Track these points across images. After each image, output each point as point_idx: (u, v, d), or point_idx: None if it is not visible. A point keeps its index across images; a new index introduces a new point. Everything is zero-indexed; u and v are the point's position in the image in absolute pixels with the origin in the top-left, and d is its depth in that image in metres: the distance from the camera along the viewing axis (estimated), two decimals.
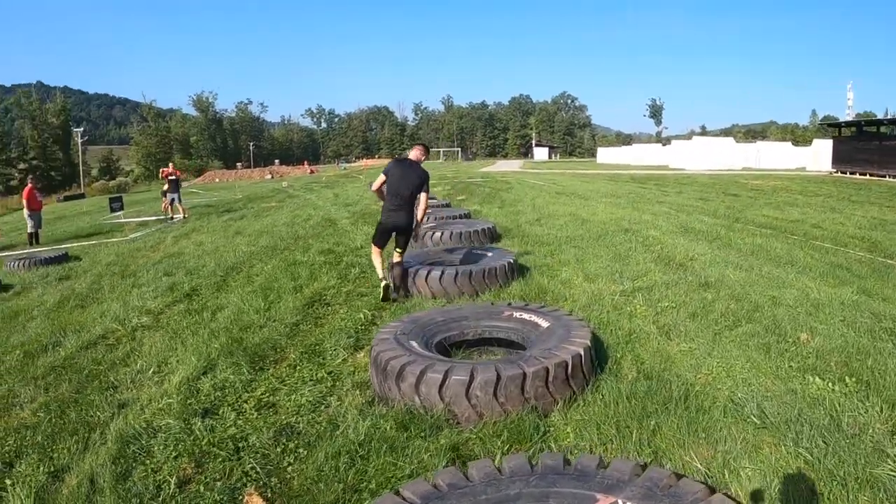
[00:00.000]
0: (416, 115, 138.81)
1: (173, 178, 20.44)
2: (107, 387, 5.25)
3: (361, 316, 6.52)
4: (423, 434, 3.61)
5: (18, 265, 12.78)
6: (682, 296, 6.06)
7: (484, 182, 25.69)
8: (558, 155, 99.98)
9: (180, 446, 3.80)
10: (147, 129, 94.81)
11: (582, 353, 3.96)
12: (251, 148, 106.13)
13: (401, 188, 6.77)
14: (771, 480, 2.85)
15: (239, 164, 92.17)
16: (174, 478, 3.40)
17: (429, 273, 6.86)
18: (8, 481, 3.58)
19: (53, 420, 4.47)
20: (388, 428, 3.73)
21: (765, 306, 5.62)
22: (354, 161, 79.03)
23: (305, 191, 29.99)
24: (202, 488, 3.30)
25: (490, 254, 7.75)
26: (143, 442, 3.94)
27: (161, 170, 21.15)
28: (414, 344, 4.40)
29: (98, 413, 4.63)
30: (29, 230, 17.76)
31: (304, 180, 43.75)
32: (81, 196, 50.31)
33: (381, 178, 6.81)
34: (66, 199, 42.59)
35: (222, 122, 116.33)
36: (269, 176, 63.78)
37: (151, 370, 5.52)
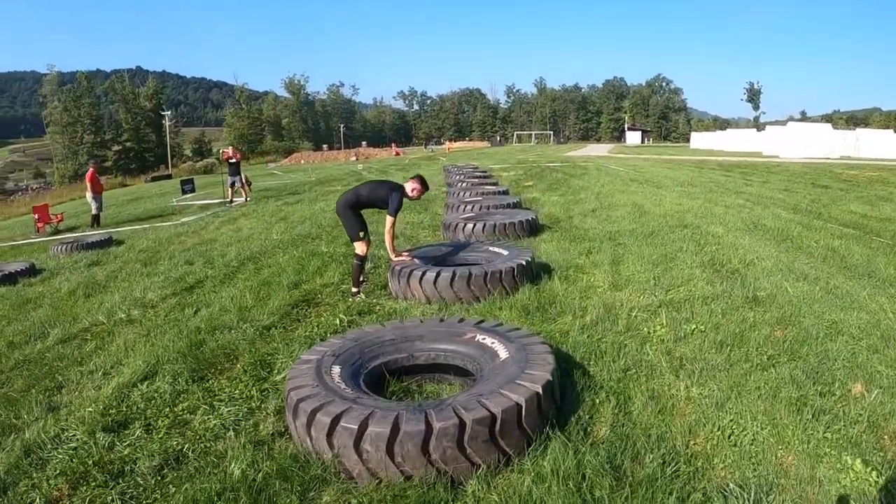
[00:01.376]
0: (509, 97, 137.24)
1: (233, 161, 20.54)
2: (53, 387, 5.21)
3: (337, 321, 6.03)
4: (300, 488, 3.06)
5: (62, 249, 13.14)
6: (718, 315, 4.98)
7: (561, 167, 24.44)
8: (651, 139, 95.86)
9: (68, 463, 3.68)
10: (239, 112, 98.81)
11: (522, 403, 3.11)
12: (342, 130, 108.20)
13: (365, 191, 6.76)
14: None
15: (325, 146, 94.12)
16: (43, 499, 3.31)
17: (423, 275, 6.15)
18: None
19: None
20: (269, 472, 3.26)
21: (818, 336, 4.46)
22: (441, 144, 78.68)
23: (379, 173, 29.79)
24: None
25: (505, 252, 6.89)
26: (44, 453, 3.87)
27: (222, 151, 21.33)
28: (335, 371, 3.68)
29: (26, 415, 4.56)
30: (93, 212, 18.48)
31: (386, 163, 43.74)
32: (168, 177, 52.94)
33: (393, 220, 6.67)
34: (154, 179, 44.82)
35: (314, 104, 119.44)
36: (353, 158, 64.54)
37: (102, 371, 5.44)
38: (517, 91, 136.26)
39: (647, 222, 9.70)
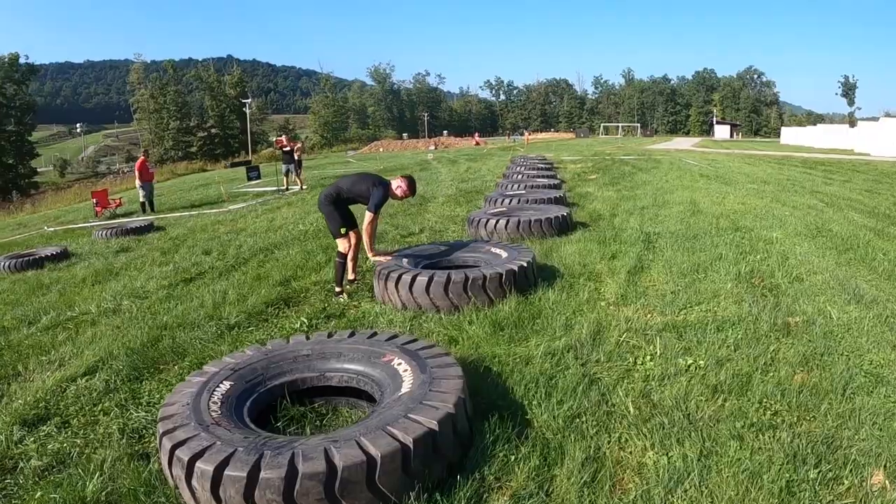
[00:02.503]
0: (596, 88, 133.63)
1: (287, 149, 20.59)
2: (11, 375, 5.24)
3: (298, 325, 5.62)
4: None
5: (103, 234, 13.36)
6: (729, 347, 4.05)
7: (635, 160, 23.05)
8: (741, 134, 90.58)
9: None
10: (324, 99, 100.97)
11: (377, 458, 2.37)
12: (426, 118, 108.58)
13: (345, 184, 6.33)
14: None
15: (405, 134, 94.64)
16: None
17: (399, 277, 5.49)
18: None
19: None
20: (118, 495, 3.03)
21: (847, 387, 3.45)
22: (522, 135, 77.45)
23: (447, 163, 29.23)
24: None
25: (504, 255, 6.11)
26: None
27: (276, 140, 21.38)
28: (219, 391, 3.18)
29: None
30: (140, 199, 18.95)
31: (461, 152, 43.14)
32: (248, 163, 54.23)
33: (373, 216, 6.21)
34: (234, 164, 46.09)
35: (399, 92, 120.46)
36: (432, 147, 64.39)
37: (58, 363, 5.43)
38: (605, 82, 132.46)
39: (696, 223, 8.60)
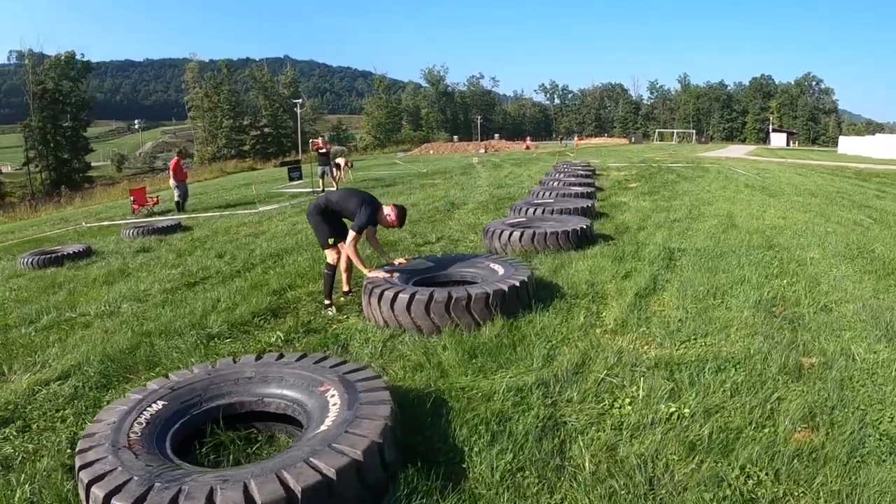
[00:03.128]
0: (651, 93, 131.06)
1: (323, 151, 20.62)
2: None
3: (274, 338, 5.41)
4: None
5: (130, 233, 13.46)
6: (725, 392, 3.56)
7: (682, 168, 22.17)
8: (797, 142, 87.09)
9: None
10: (378, 101, 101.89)
11: None
12: (479, 121, 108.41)
13: (335, 197, 6.20)
14: None
15: (455, 137, 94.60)
16: None
17: (381, 294, 5.15)
18: None
19: None
20: None
21: (857, 452, 2.90)
22: (572, 140, 76.23)
23: (491, 167, 28.87)
24: None
25: (501, 271, 5.75)
26: None
27: (311, 141, 21.44)
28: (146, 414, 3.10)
29: None
30: (175, 199, 19.17)
31: (510, 156, 42.67)
32: (297, 162, 55.00)
33: (357, 236, 5.87)
34: (283, 164, 46.54)
35: (453, 95, 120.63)
36: (482, 150, 64.07)
37: (40, 364, 5.48)
38: (660, 87, 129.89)
39: (727, 240, 7.98)
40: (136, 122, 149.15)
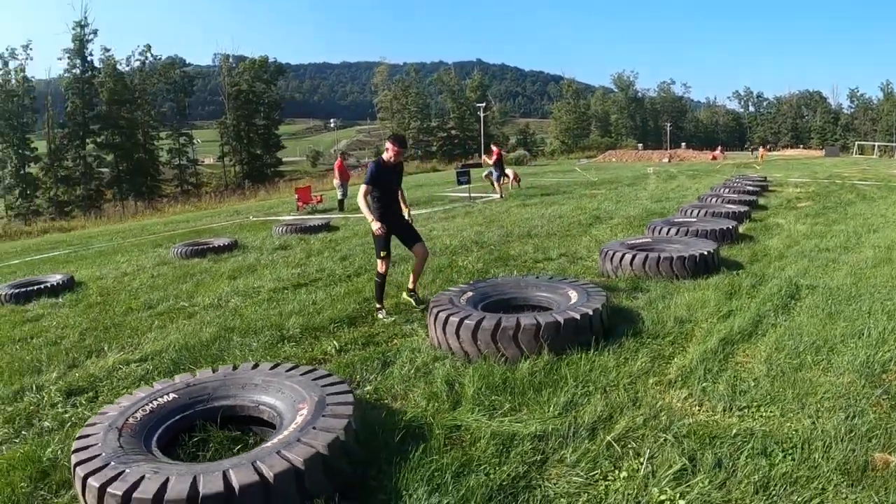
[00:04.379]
0: (852, 101, 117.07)
1: (495, 157, 21.22)
2: (93, 350, 6.25)
3: (329, 347, 5.60)
4: None
5: (281, 230, 14.57)
6: (748, 487, 2.97)
7: (868, 188, 19.29)
8: None
9: None
10: (566, 105, 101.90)
11: None
12: (668, 129, 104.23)
13: (392, 189, 6.68)
14: None
15: (639, 144, 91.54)
16: None
17: (437, 315, 5.18)
18: None
19: None
20: None
21: None
22: (758, 150, 70.01)
23: (664, 179, 27.50)
24: None
25: (574, 299, 5.46)
26: None
27: (492, 148, 21.94)
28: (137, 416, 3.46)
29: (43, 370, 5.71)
30: (339, 197, 20.43)
31: (692, 167, 40.37)
32: (478, 165, 56.59)
33: (365, 187, 6.43)
34: (464, 167, 48.16)
35: (643, 101, 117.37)
36: (666, 160, 61.50)
37: (134, 347, 6.28)
38: (861, 95, 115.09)
39: (871, 277, 6.76)
40: (331, 121, 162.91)
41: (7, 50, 58.14)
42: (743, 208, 12.25)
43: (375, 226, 6.22)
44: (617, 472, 3.12)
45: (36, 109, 60.65)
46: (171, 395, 3.67)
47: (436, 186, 31.52)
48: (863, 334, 4.86)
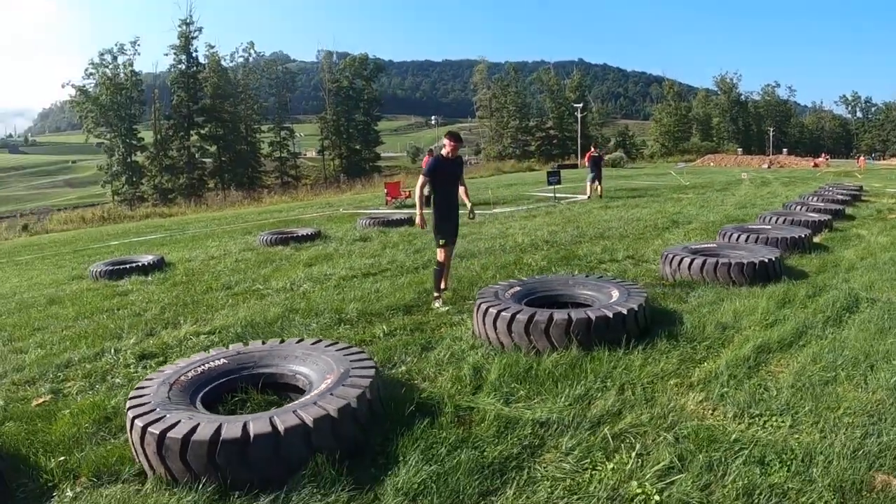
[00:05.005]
0: None
1: (595, 157, 21.39)
2: (171, 323, 6.99)
3: (378, 332, 5.99)
4: None
5: (365, 223, 15.26)
6: (726, 495, 3.05)
7: None
8: None
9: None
10: (667, 107, 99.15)
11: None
12: (771, 133, 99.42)
13: (451, 182, 7.04)
14: None
15: (739, 149, 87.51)
16: None
17: (479, 306, 5.47)
18: None
19: None
20: None
21: None
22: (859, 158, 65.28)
23: (757, 185, 26.45)
24: None
25: (614, 297, 5.63)
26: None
27: (589, 152, 22.09)
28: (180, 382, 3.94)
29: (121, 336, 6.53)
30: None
31: (789, 174, 38.43)
32: (574, 166, 56.28)
33: (423, 179, 6.98)
34: (560, 167, 48.01)
35: (746, 104, 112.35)
36: (765, 165, 59.01)
37: (205, 321, 6.92)
38: None
39: None
40: (432, 118, 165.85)
41: (116, 45, 62.10)
42: (825, 217, 11.78)
43: (418, 219, 6.82)
44: (606, 463, 3.29)
45: (143, 102, 64.74)
46: (222, 360, 4.18)
47: (526, 186, 31.48)
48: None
